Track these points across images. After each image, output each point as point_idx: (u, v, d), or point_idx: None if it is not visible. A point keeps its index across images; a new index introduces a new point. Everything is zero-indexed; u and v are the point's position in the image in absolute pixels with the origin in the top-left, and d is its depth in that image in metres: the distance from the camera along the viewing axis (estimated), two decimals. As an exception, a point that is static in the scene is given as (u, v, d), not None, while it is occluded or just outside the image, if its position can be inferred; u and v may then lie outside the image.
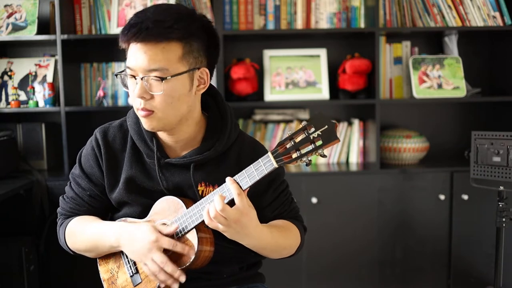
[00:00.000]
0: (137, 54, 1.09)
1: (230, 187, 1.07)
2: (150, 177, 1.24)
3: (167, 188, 1.22)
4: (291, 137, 1.04)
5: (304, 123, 1.03)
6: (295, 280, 2.49)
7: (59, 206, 1.33)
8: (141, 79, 1.10)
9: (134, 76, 1.11)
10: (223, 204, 1.05)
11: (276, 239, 1.20)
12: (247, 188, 1.09)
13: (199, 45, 1.13)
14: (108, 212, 1.31)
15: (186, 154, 1.21)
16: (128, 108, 1.25)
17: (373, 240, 2.51)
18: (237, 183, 1.08)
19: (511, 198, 2.04)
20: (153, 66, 1.09)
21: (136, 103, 1.14)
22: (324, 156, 1.03)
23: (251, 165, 1.08)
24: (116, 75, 1.16)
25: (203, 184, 1.22)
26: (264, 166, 1.06)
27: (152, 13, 1.09)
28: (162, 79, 1.09)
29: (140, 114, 1.15)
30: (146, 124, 1.16)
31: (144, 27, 1.07)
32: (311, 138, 1.02)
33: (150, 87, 1.10)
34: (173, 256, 1.17)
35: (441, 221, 2.51)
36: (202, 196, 1.18)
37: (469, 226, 2.51)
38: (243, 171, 1.09)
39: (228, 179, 1.09)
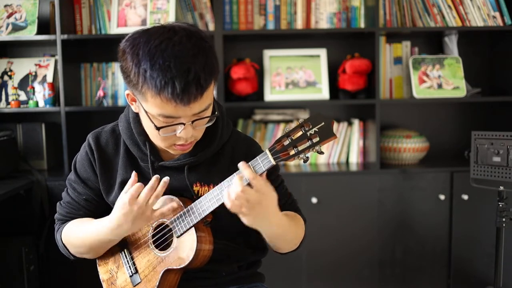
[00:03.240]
0: (185, 108, 1.04)
1: (244, 173, 1.06)
2: (145, 180, 1.23)
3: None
4: (288, 134, 1.05)
5: (301, 120, 1.04)
6: (295, 280, 2.49)
7: (56, 212, 1.33)
8: (192, 122, 1.09)
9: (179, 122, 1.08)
10: (242, 185, 1.04)
11: (291, 226, 1.21)
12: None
13: (216, 59, 1.12)
14: (105, 215, 1.31)
15: (180, 157, 1.22)
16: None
17: (373, 240, 2.51)
18: (251, 168, 1.07)
19: (511, 198, 2.04)
20: (203, 107, 1.08)
21: (178, 142, 1.12)
22: (321, 152, 1.04)
23: (249, 163, 1.08)
24: (158, 128, 1.08)
25: (198, 184, 1.22)
26: (262, 163, 1.07)
27: (195, 62, 1.02)
28: (213, 114, 1.12)
29: (181, 148, 1.14)
30: (182, 152, 1.17)
31: (197, 88, 1.02)
32: (308, 135, 1.03)
33: (197, 124, 1.10)
34: (172, 256, 1.17)
35: (441, 221, 2.51)
36: (198, 196, 1.18)
37: (469, 226, 2.51)
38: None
39: (241, 164, 1.07)
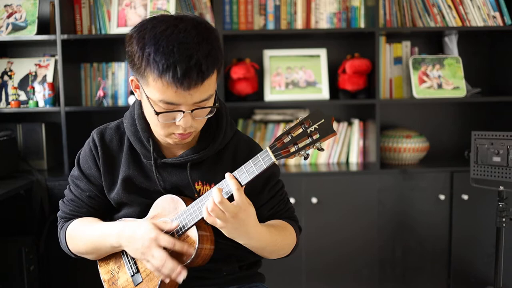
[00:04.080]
0: (185, 94, 1.05)
1: (229, 183, 1.08)
2: (148, 177, 1.24)
3: (164, 188, 1.23)
4: (288, 132, 1.05)
5: (301, 118, 1.04)
6: (295, 280, 2.49)
7: (59, 209, 1.33)
8: (191, 111, 1.09)
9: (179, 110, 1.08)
10: (221, 197, 1.05)
11: (275, 239, 1.21)
12: (245, 184, 1.09)
13: (221, 51, 1.12)
14: (108, 213, 1.31)
15: (183, 154, 1.22)
16: (127, 108, 1.26)
17: (373, 240, 2.51)
18: (236, 178, 1.09)
19: (511, 198, 2.04)
20: (204, 97, 1.08)
21: (176, 130, 1.12)
22: (321, 149, 1.05)
23: (250, 161, 1.08)
24: (158, 113, 1.08)
25: (200, 183, 1.22)
26: (262, 161, 1.07)
27: (198, 50, 1.03)
28: (214, 105, 1.12)
29: (180, 137, 1.14)
30: (180, 142, 1.17)
31: (198, 75, 1.03)
32: (308, 132, 1.03)
33: (197, 113, 1.10)
34: (173, 254, 1.17)
35: (441, 221, 2.51)
36: (200, 195, 1.19)
37: (469, 226, 2.51)
38: (242, 166, 1.09)
39: (227, 174, 1.09)
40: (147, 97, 1.09)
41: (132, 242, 1.16)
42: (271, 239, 1.19)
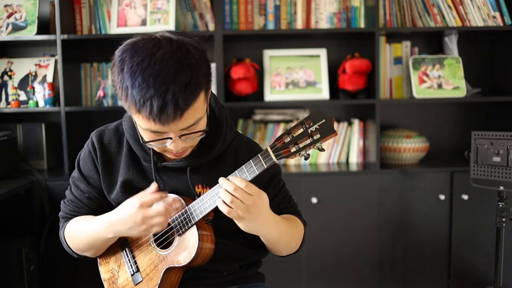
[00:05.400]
0: (170, 125, 1.03)
1: (234, 181, 1.07)
2: (148, 180, 1.24)
3: (164, 191, 1.22)
4: (289, 132, 1.05)
5: (302, 118, 1.04)
6: (295, 280, 2.49)
7: (60, 210, 1.34)
8: (180, 137, 1.08)
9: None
10: (245, 180, 1.06)
11: (287, 228, 1.22)
12: None
13: (206, 73, 1.08)
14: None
15: (183, 158, 1.22)
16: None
17: (373, 240, 2.51)
18: (238, 177, 1.09)
19: (511, 198, 2.04)
20: (189, 123, 1.06)
21: (171, 151, 1.12)
22: (322, 150, 1.05)
23: (251, 160, 1.09)
24: (145, 142, 1.09)
25: (200, 186, 1.22)
26: (263, 160, 1.07)
27: (175, 82, 0.99)
28: (203, 129, 1.10)
29: (176, 156, 1.15)
30: (178, 158, 1.18)
31: (175, 109, 1.00)
32: (309, 132, 1.04)
33: (186, 137, 1.09)
34: (174, 254, 1.17)
35: (441, 221, 2.51)
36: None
37: (469, 226, 2.51)
38: (243, 166, 1.10)
39: (224, 178, 1.09)
40: (135, 123, 1.10)
41: (126, 226, 1.14)
42: (284, 227, 1.21)
